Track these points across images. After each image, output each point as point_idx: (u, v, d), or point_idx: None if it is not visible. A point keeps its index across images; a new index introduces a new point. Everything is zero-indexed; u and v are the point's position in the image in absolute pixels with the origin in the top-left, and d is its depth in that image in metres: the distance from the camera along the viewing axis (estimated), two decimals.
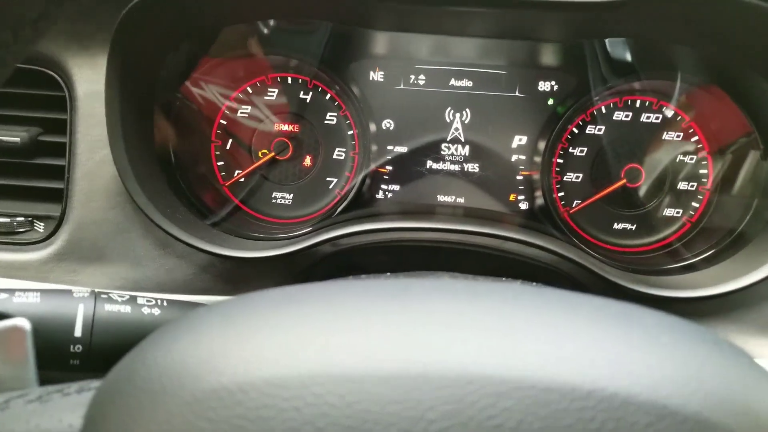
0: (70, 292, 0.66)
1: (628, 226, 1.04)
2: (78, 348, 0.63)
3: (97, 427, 0.34)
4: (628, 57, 1.00)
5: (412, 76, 1.04)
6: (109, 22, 0.84)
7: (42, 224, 0.94)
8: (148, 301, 0.69)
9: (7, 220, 0.93)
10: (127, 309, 0.66)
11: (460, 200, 1.07)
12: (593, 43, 0.99)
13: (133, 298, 0.68)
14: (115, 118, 0.86)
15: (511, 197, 1.06)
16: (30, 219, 0.94)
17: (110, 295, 0.67)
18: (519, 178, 1.05)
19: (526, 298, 0.35)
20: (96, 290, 0.67)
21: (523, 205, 1.06)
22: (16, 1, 0.34)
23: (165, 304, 0.69)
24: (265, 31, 1.02)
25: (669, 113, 1.01)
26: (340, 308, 0.34)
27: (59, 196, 0.93)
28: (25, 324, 0.47)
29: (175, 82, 1.00)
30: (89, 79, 0.90)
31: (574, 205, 1.05)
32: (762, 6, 0.77)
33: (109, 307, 0.65)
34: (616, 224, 1.04)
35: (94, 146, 0.91)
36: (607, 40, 0.98)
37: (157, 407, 0.32)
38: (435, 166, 1.06)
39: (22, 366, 0.47)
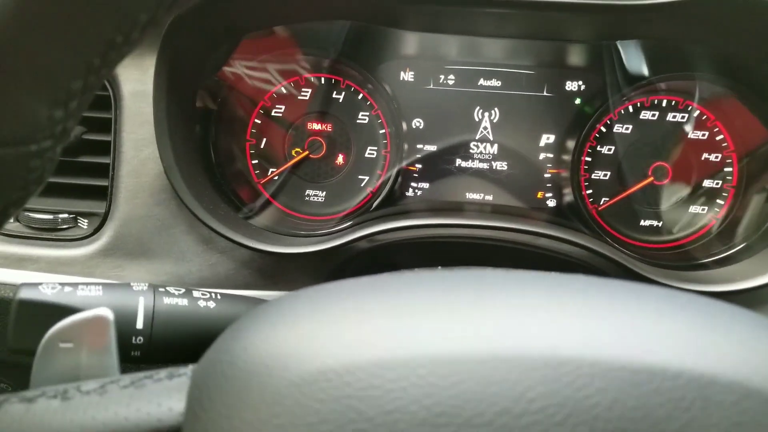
0: (129, 285, 0.68)
1: (654, 222, 1.06)
2: (139, 339, 0.64)
3: (204, 408, 0.36)
4: (654, 57, 1.02)
5: (442, 76, 1.06)
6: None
7: (86, 221, 0.96)
8: (203, 294, 0.70)
9: (51, 216, 0.95)
10: (184, 302, 0.68)
11: (489, 198, 1.08)
12: (620, 43, 1.01)
13: (188, 291, 0.69)
14: (161, 117, 0.88)
15: (539, 195, 1.08)
16: (73, 216, 0.95)
17: (167, 288, 0.69)
18: (546, 176, 1.07)
19: (610, 288, 0.37)
20: (153, 284, 0.69)
21: (551, 203, 1.08)
22: (133, 4, 0.35)
23: (219, 297, 0.71)
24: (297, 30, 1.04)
25: (694, 112, 1.03)
26: (437, 295, 0.36)
27: (102, 194, 0.94)
28: (109, 314, 0.49)
29: (213, 79, 1.02)
30: (135, 79, 0.92)
31: (601, 203, 1.07)
32: None
33: (167, 300, 0.67)
34: (642, 221, 1.06)
35: (138, 144, 0.92)
36: (633, 41, 1.00)
37: (265, 388, 0.33)
38: (464, 164, 1.08)
39: (106, 355, 0.48)
